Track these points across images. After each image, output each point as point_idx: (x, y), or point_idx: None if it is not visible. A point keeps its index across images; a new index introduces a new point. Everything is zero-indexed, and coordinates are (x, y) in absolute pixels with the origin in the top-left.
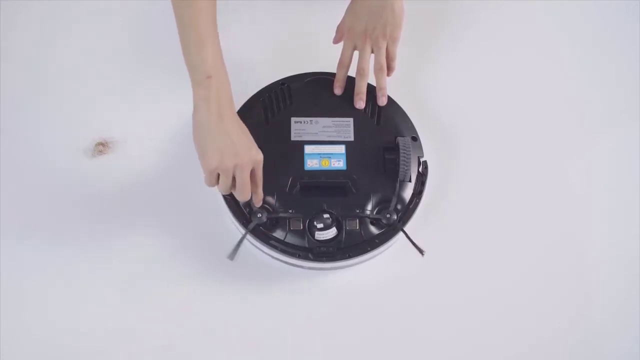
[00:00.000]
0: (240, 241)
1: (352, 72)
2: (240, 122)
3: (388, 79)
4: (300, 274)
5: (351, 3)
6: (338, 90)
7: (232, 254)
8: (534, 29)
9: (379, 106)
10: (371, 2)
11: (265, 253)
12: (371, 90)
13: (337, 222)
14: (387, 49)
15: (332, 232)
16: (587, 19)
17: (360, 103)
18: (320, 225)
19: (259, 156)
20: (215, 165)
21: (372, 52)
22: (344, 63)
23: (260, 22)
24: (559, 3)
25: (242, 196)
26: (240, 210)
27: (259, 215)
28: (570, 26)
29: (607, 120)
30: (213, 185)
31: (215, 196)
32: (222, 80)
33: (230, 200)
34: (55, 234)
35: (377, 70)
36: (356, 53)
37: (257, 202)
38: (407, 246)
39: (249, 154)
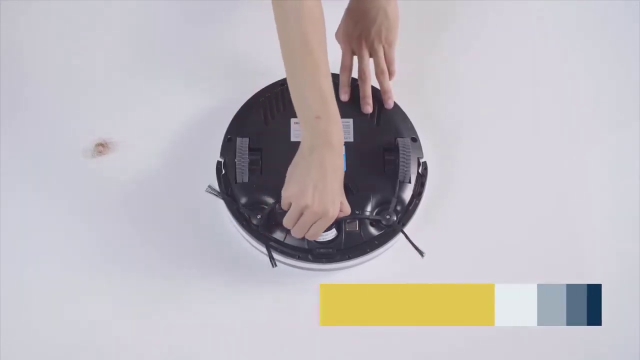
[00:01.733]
0: (268, 249)
1: (355, 74)
2: (340, 172)
3: (390, 82)
4: (299, 275)
5: (346, 9)
6: (344, 96)
7: (272, 262)
8: (533, 30)
9: (378, 107)
10: (365, 7)
11: (265, 254)
12: (374, 93)
13: (337, 224)
14: (384, 52)
15: (331, 234)
16: (587, 19)
17: (368, 107)
18: None
19: (332, 213)
20: (289, 195)
21: (371, 56)
22: (345, 68)
23: (261, 22)
24: (558, 4)
25: (295, 232)
26: (239, 211)
27: (259, 216)
28: (569, 27)
29: (607, 121)
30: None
31: (215, 197)
32: (331, 120)
33: (230, 200)
34: (55, 234)
35: (379, 75)
36: (356, 57)
37: (295, 235)
38: (407, 247)
39: (324, 205)
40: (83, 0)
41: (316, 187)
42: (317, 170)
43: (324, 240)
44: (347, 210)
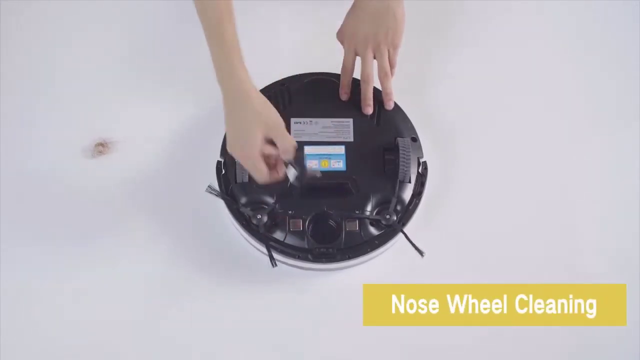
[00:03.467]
0: (268, 249)
1: (356, 75)
2: (251, 111)
3: None
4: (299, 275)
5: (352, 8)
6: (344, 96)
7: (272, 262)
8: (533, 29)
9: (378, 107)
10: (372, 8)
11: (265, 254)
12: (374, 93)
13: (335, 221)
14: (389, 55)
15: (291, 174)
16: (586, 19)
17: (368, 109)
18: None
19: (248, 151)
20: (231, 145)
21: (374, 57)
22: (347, 69)
23: (260, 22)
24: (558, 4)
25: (256, 172)
26: (239, 211)
27: (259, 216)
28: (569, 27)
29: (608, 121)
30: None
31: (215, 197)
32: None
33: (230, 200)
34: (55, 234)
35: (382, 77)
36: (359, 58)
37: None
38: (407, 247)
39: (239, 146)
40: (83, 0)
41: (232, 136)
42: (231, 120)
43: (292, 180)
44: (291, 142)
